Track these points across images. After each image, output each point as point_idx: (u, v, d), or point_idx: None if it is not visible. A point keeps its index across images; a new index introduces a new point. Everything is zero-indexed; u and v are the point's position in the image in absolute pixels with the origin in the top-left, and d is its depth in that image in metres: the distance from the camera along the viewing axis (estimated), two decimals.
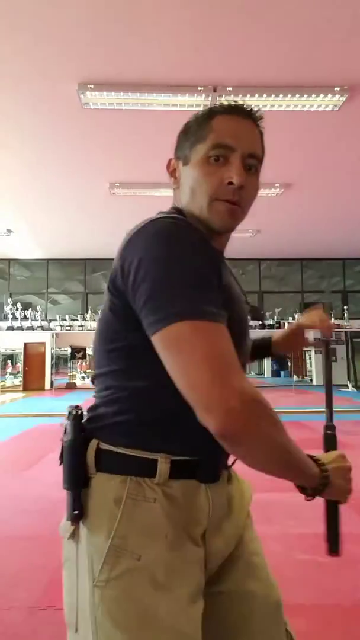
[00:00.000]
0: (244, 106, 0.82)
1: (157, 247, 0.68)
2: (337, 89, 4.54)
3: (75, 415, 0.76)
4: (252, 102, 4.71)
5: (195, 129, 0.84)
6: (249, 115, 0.81)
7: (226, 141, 0.78)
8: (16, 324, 12.61)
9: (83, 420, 0.77)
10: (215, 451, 0.69)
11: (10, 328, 12.58)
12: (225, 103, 0.84)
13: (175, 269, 0.65)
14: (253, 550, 0.95)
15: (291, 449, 0.68)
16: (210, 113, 0.83)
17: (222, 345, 0.63)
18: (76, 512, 0.73)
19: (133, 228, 0.76)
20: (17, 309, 12.67)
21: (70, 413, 0.77)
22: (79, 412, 0.77)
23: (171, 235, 0.69)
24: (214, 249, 0.77)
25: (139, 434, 0.73)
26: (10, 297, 13.11)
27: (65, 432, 0.76)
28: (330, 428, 0.97)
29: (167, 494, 0.72)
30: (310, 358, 15.26)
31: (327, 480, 0.77)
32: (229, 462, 0.87)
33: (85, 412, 0.79)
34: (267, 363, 20.32)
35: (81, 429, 0.75)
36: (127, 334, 0.73)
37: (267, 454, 0.66)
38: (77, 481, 0.73)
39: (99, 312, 0.83)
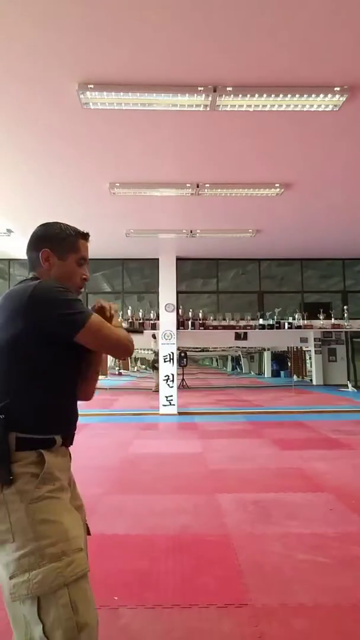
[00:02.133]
0: (85, 232, 1.45)
1: (52, 293, 1.31)
2: (337, 89, 4.54)
3: None
4: (252, 102, 4.71)
5: (69, 242, 1.40)
6: (87, 237, 1.44)
7: (84, 255, 1.45)
8: None
9: None
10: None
11: None
12: (80, 230, 1.44)
13: None
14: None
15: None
16: (77, 236, 1.41)
17: (102, 322, 1.35)
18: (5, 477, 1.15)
19: (14, 293, 1.36)
20: None
21: None
22: None
23: (53, 287, 1.32)
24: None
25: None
26: None
27: None
28: None
29: (57, 455, 1.29)
30: (310, 358, 15.26)
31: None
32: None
33: None
34: (267, 363, 20.33)
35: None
36: (36, 356, 1.31)
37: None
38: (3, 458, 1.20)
39: None
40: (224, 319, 12.85)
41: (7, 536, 1.13)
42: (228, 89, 4.49)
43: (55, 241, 1.38)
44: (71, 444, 1.37)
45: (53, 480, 1.21)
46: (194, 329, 11.85)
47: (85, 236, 1.43)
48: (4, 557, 1.13)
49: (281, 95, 4.60)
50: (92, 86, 4.47)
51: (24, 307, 1.20)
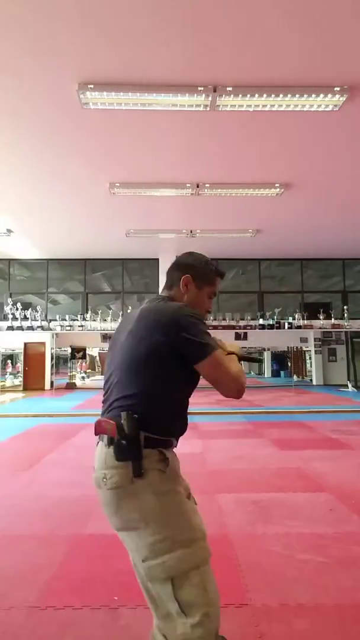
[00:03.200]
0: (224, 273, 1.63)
1: (193, 319, 1.42)
2: (337, 89, 4.54)
3: (133, 417, 1.33)
4: (252, 102, 4.71)
5: (209, 276, 1.57)
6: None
7: (216, 291, 1.59)
8: (16, 324, 12.61)
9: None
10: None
11: (10, 328, 12.58)
12: (220, 270, 1.61)
13: None
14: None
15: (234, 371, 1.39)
16: (216, 273, 1.58)
17: (225, 359, 1.40)
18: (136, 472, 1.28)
19: (165, 307, 1.46)
20: (17, 309, 12.67)
21: None
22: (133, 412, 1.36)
23: (195, 314, 1.46)
24: None
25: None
26: (10, 297, 13.11)
27: None
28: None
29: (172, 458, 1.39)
30: (310, 358, 15.26)
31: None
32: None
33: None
34: (267, 363, 20.33)
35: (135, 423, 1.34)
36: (171, 369, 1.44)
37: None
38: (136, 454, 1.31)
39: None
40: (224, 319, 12.88)
41: (139, 524, 1.28)
42: (228, 89, 4.50)
43: (199, 272, 1.54)
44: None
45: (176, 477, 1.39)
46: None
47: (222, 275, 1.60)
48: (135, 542, 1.29)
49: (281, 95, 4.60)
50: (92, 86, 4.47)
51: (167, 322, 1.35)
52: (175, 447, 1.46)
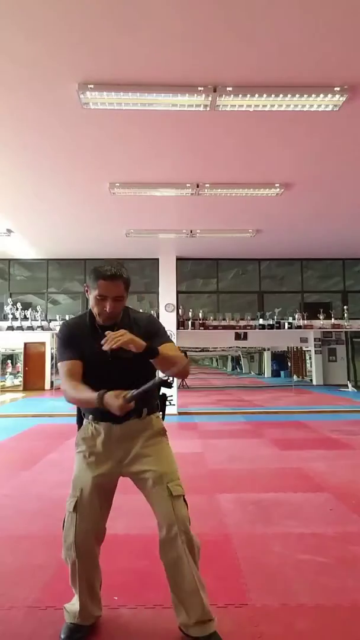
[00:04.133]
0: (112, 274, 1.75)
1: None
2: (337, 89, 4.54)
3: None
4: (252, 102, 4.71)
5: (91, 281, 1.78)
6: (114, 278, 1.75)
7: (102, 293, 1.77)
8: (16, 324, 12.60)
9: None
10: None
11: (10, 328, 12.57)
12: (102, 271, 1.75)
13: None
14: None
15: (75, 397, 1.74)
16: (95, 277, 1.78)
17: (61, 370, 1.83)
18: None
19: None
20: (17, 309, 12.68)
21: None
22: None
23: (58, 332, 1.97)
24: (71, 329, 1.92)
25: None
26: (10, 297, 13.12)
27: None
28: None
29: (94, 426, 1.95)
30: (310, 358, 15.26)
31: (100, 403, 1.62)
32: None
33: None
34: (267, 363, 20.33)
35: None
36: None
37: (70, 401, 1.79)
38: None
39: None
40: (224, 319, 12.85)
41: None
42: (228, 89, 4.49)
43: (88, 278, 1.80)
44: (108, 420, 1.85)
45: (80, 445, 1.94)
46: (194, 329, 11.85)
47: (102, 276, 1.73)
48: None
49: (281, 95, 4.60)
50: (92, 86, 4.47)
51: None
52: (93, 421, 1.91)
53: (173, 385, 1.90)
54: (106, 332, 1.67)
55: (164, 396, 1.99)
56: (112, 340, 1.62)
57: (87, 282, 1.83)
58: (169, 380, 1.64)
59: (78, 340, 1.83)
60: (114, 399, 1.60)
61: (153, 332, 1.85)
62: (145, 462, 1.82)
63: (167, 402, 2.02)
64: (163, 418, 1.98)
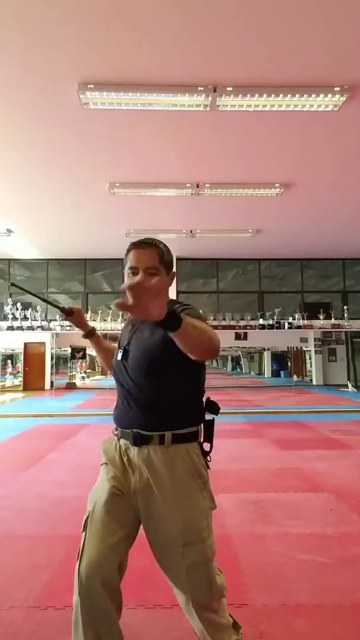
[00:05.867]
0: (142, 241, 1.51)
1: None
2: (337, 89, 4.54)
3: None
4: (252, 102, 4.71)
5: (125, 259, 1.54)
6: (144, 244, 1.50)
7: (133, 264, 1.48)
8: (16, 324, 12.61)
9: None
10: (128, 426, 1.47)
11: (10, 328, 12.58)
12: (135, 241, 1.53)
13: None
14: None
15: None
16: (129, 247, 1.52)
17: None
18: None
19: None
20: (17, 309, 12.67)
21: None
22: None
23: None
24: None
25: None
26: (10, 297, 13.11)
27: None
28: None
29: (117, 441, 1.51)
30: (310, 358, 15.26)
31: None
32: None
33: None
34: (267, 363, 20.33)
35: None
36: None
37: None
38: None
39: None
40: (224, 319, 12.87)
41: None
42: (228, 89, 4.50)
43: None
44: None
45: (102, 457, 1.54)
46: None
47: (135, 245, 1.51)
48: None
49: (281, 95, 4.61)
50: (92, 86, 4.47)
51: None
52: (118, 433, 1.52)
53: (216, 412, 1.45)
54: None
55: (210, 422, 1.45)
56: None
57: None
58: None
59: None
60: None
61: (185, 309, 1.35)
62: (157, 512, 1.38)
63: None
64: (207, 454, 1.44)
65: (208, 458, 1.44)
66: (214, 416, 1.45)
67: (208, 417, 1.45)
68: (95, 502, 1.43)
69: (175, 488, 1.35)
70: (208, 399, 1.47)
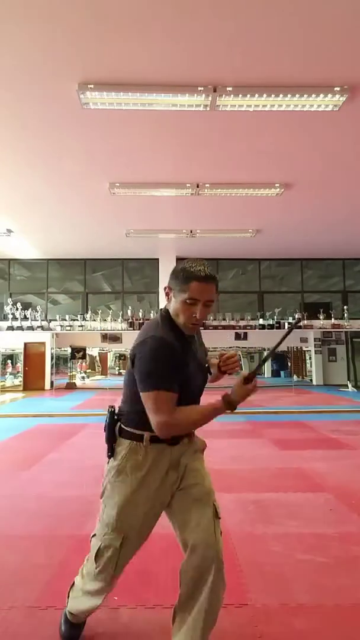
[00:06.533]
0: (206, 275, 1.53)
1: (145, 356, 1.51)
2: (337, 89, 4.55)
3: (111, 411, 1.68)
4: (252, 102, 4.71)
5: (180, 283, 1.55)
6: (208, 280, 1.53)
7: (193, 296, 1.53)
8: (16, 324, 12.61)
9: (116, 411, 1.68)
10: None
11: (10, 328, 12.58)
12: (197, 273, 1.52)
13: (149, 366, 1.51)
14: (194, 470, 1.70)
15: (199, 419, 1.56)
16: (187, 279, 1.53)
17: (160, 400, 1.49)
18: (109, 453, 1.66)
19: (140, 335, 1.59)
20: (17, 309, 12.67)
21: (108, 409, 1.69)
22: (113, 409, 1.69)
23: (151, 350, 1.50)
24: (174, 349, 1.52)
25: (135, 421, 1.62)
26: (10, 297, 13.11)
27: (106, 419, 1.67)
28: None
29: (147, 450, 1.61)
30: (310, 358, 15.26)
31: (230, 404, 1.52)
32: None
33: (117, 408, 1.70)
34: (267, 364, 20.35)
35: (113, 417, 1.66)
36: (134, 387, 1.56)
37: (185, 430, 1.63)
38: (110, 440, 1.65)
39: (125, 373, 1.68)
40: (224, 319, 12.88)
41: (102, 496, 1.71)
42: (228, 89, 4.50)
43: (174, 279, 1.57)
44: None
45: (126, 473, 1.64)
46: None
47: (196, 278, 1.51)
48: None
49: (281, 95, 4.61)
50: (92, 86, 4.47)
51: (132, 351, 1.58)
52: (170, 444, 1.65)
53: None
54: (222, 356, 1.75)
55: None
56: (234, 365, 1.76)
57: (169, 283, 1.59)
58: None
59: (180, 360, 1.53)
60: (242, 388, 1.51)
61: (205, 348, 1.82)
62: (193, 476, 1.65)
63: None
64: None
65: None
66: None
67: None
68: (130, 525, 1.62)
69: (200, 458, 1.75)
70: None
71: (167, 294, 1.62)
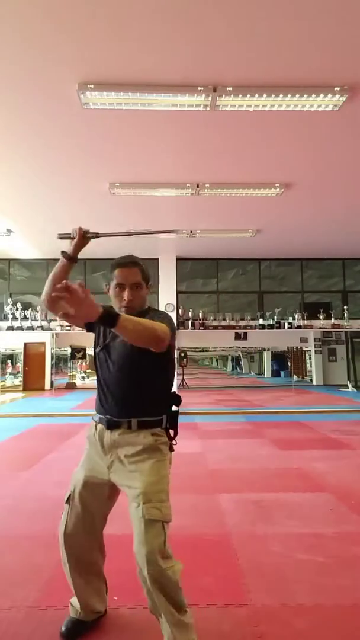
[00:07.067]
0: (128, 261, 1.77)
1: None
2: (337, 89, 4.54)
3: None
4: (252, 102, 4.71)
5: (109, 274, 1.80)
6: (129, 265, 1.77)
7: (120, 281, 1.77)
8: (16, 324, 12.61)
9: None
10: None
11: (10, 328, 12.58)
12: (120, 259, 1.79)
13: None
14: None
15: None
16: (112, 267, 1.79)
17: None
18: None
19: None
20: (17, 309, 12.67)
21: None
22: None
23: None
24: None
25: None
26: (10, 297, 13.11)
27: None
28: None
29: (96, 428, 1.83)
30: (310, 358, 15.26)
31: (64, 253, 1.95)
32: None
33: None
34: (267, 363, 20.33)
35: None
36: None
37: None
38: None
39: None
40: (224, 319, 12.87)
41: None
42: (228, 89, 4.50)
43: (108, 274, 1.81)
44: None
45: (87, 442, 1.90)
46: (194, 329, 11.85)
47: (119, 265, 1.76)
48: None
49: (281, 95, 4.60)
50: (92, 86, 4.47)
51: None
52: (102, 422, 1.79)
53: (178, 404, 1.78)
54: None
55: (175, 413, 1.77)
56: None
57: (105, 281, 1.86)
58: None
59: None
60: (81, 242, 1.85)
61: (154, 316, 1.71)
62: (126, 477, 1.69)
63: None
64: (172, 438, 1.77)
65: (174, 442, 1.77)
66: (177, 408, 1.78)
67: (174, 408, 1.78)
68: (74, 485, 1.84)
69: (142, 459, 1.68)
70: (174, 392, 1.80)
71: (106, 291, 1.85)
